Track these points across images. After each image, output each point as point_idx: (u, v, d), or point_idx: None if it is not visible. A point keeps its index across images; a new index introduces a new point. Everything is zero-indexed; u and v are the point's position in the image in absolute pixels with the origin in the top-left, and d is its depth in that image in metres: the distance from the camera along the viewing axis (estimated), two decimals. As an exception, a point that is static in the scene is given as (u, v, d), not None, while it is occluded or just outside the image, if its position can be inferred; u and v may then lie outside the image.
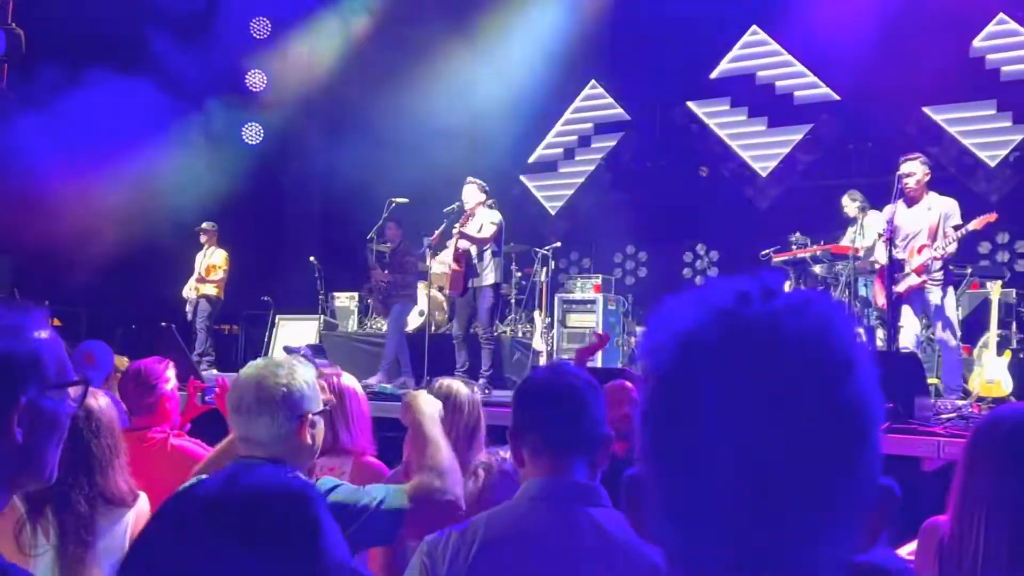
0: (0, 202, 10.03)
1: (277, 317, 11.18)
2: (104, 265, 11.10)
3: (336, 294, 11.56)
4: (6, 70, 11.09)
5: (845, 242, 8.20)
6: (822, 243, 8.59)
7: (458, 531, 1.76)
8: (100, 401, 2.58)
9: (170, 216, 10.62)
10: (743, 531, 0.69)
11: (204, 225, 10.65)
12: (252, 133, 13.60)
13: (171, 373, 3.51)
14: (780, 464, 0.68)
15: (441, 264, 8.72)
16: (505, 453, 3.23)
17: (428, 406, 2.36)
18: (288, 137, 13.52)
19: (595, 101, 13.39)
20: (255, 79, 13.52)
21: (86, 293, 12.06)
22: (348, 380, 3.12)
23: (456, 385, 3.27)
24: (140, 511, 2.50)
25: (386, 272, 9.15)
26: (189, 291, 10.58)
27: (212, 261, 10.54)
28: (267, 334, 11.15)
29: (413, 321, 10.03)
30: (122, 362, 5.45)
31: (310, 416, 2.06)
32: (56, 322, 12.75)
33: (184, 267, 10.80)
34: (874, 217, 7.84)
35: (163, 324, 9.58)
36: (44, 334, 1.26)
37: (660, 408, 0.74)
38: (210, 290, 10.50)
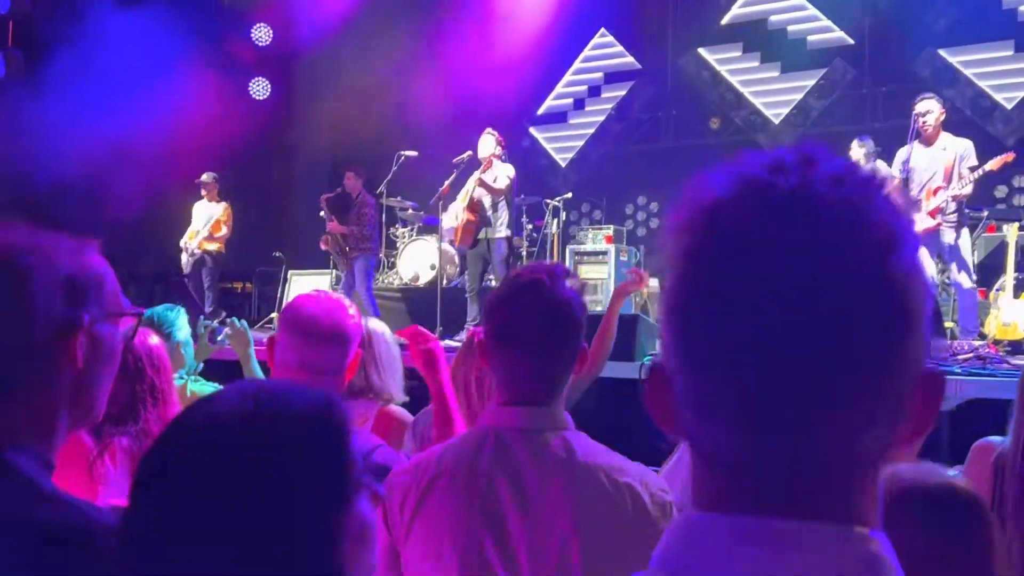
0: (11, 162, 10.03)
1: (289, 273, 11.19)
2: (112, 220, 11.10)
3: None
4: (11, 28, 11.05)
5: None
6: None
7: (414, 463, 1.74)
8: (153, 339, 2.60)
9: (177, 173, 10.58)
10: (777, 425, 0.63)
11: (204, 177, 10.39)
12: (259, 88, 13.53)
13: (183, 320, 3.52)
14: (819, 350, 0.62)
15: (449, 216, 8.67)
16: None
17: (442, 361, 2.29)
18: (295, 91, 13.44)
19: (605, 50, 13.22)
20: (261, 33, 13.41)
21: (98, 247, 12.08)
22: (376, 324, 3.09)
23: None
24: None
25: (344, 225, 9.05)
26: (187, 241, 10.26)
27: (217, 216, 10.30)
28: (280, 290, 11.17)
29: (424, 274, 10.02)
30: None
31: (359, 352, 2.08)
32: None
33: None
34: (880, 167, 7.76)
35: (175, 278, 9.66)
36: (100, 261, 1.23)
37: (685, 292, 0.67)
38: (213, 246, 10.29)
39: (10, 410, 1.11)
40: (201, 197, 10.43)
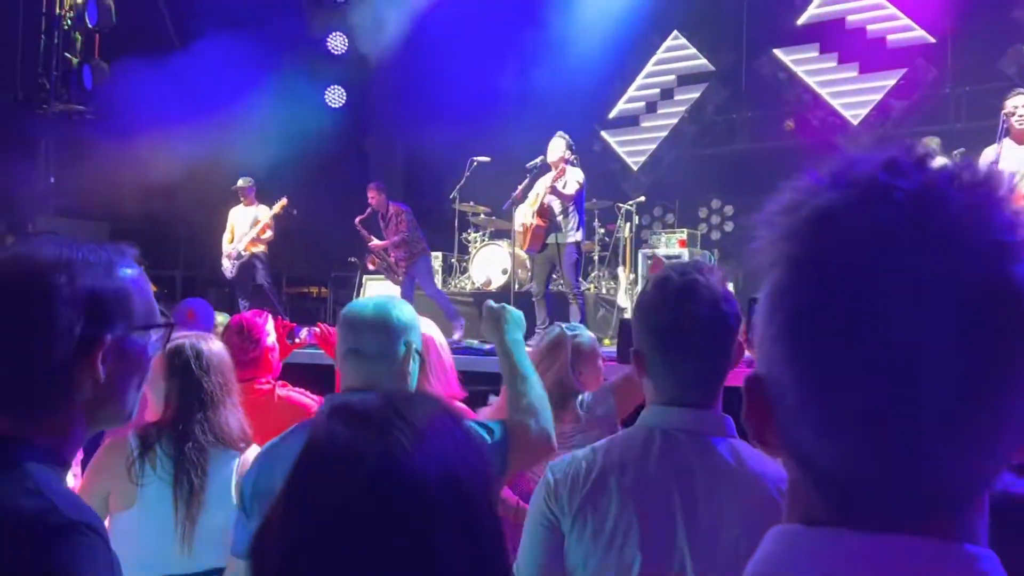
0: (96, 169, 10.39)
1: (364, 278, 11.34)
2: (194, 228, 11.41)
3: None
4: (98, 41, 11.45)
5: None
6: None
7: (580, 455, 1.75)
8: (212, 345, 2.65)
9: (256, 180, 10.79)
10: (916, 437, 0.61)
11: (240, 183, 10.14)
12: (335, 96, 13.76)
13: (271, 326, 3.58)
14: (966, 357, 0.59)
15: (516, 220, 8.67)
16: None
17: (514, 326, 2.24)
18: (370, 99, 13.63)
19: (678, 52, 13.11)
20: (337, 42, 13.65)
21: (179, 255, 12.45)
22: (427, 326, 3.11)
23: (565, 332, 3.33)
24: (246, 459, 2.51)
25: (386, 239, 9.10)
26: (236, 247, 10.04)
27: (263, 217, 10.09)
28: (354, 294, 11.33)
29: (496, 279, 10.06)
30: (224, 319, 5.62)
31: (412, 345, 2.08)
32: (153, 287, 13.23)
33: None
34: None
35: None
36: (132, 273, 1.27)
37: (807, 301, 0.63)
38: (260, 248, 10.11)
39: (30, 414, 1.19)
40: (238, 203, 10.27)
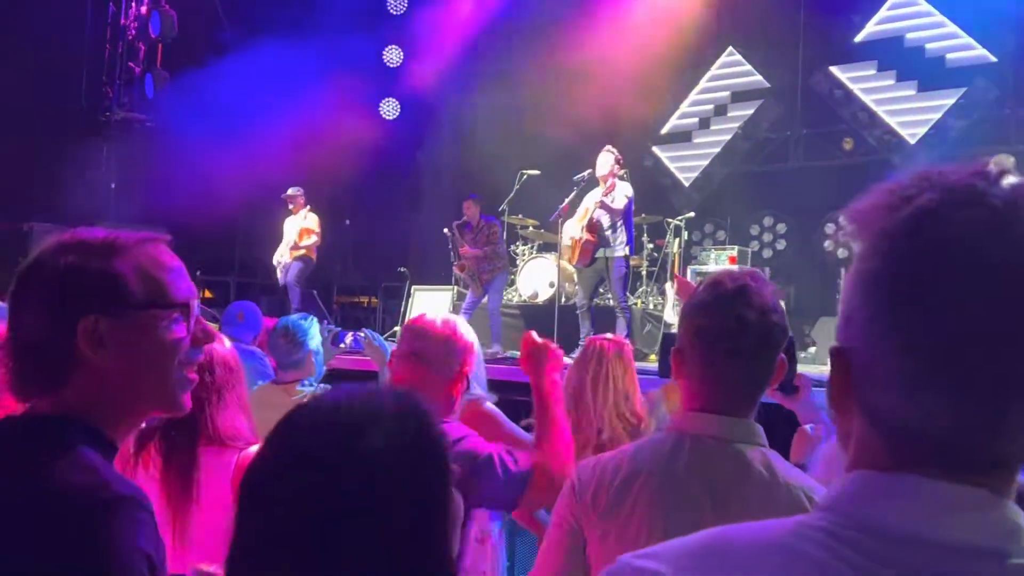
0: (156, 176, 10.62)
1: (413, 288, 11.43)
2: (250, 234, 11.59)
3: (469, 265, 11.71)
4: (160, 50, 11.72)
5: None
6: (975, 212, 8.12)
7: (606, 458, 1.74)
8: (216, 344, 2.54)
9: (310, 190, 10.94)
10: (985, 405, 0.72)
11: (290, 191, 10.44)
12: (389, 108, 13.92)
13: (316, 330, 3.63)
14: None
15: (564, 234, 8.68)
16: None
17: (554, 364, 2.28)
18: (423, 112, 13.76)
19: (732, 68, 13.02)
20: (392, 55, 13.81)
21: (234, 261, 12.65)
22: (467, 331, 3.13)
23: (605, 344, 3.30)
24: (243, 458, 2.43)
25: (479, 249, 9.17)
26: (280, 256, 10.41)
27: (306, 225, 10.36)
28: (403, 304, 11.42)
29: (543, 292, 10.07)
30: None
31: (466, 365, 2.19)
32: (207, 293, 13.50)
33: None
34: None
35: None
36: (141, 254, 1.29)
37: (897, 288, 0.74)
38: (300, 253, 10.33)
39: (68, 394, 1.24)
40: (290, 213, 10.52)
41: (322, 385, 3.47)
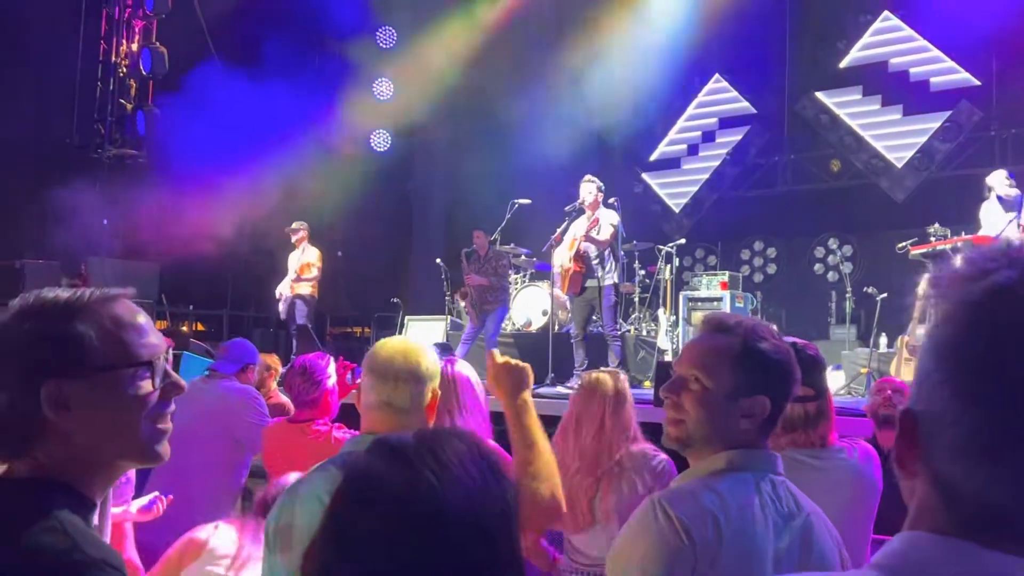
0: (146, 213, 10.65)
1: (406, 318, 11.44)
2: (241, 269, 11.60)
3: (462, 295, 11.74)
4: (151, 87, 11.79)
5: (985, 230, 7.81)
6: (963, 234, 8.19)
7: (706, 503, 1.64)
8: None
9: (303, 222, 10.97)
10: None
11: (294, 225, 10.49)
12: (380, 140, 14.00)
13: (332, 369, 3.64)
14: None
15: (554, 262, 8.71)
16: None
17: (522, 382, 2.17)
18: (414, 144, 13.84)
19: (719, 95, 13.16)
20: (382, 88, 13.91)
21: (226, 295, 12.66)
22: (462, 367, 3.06)
23: (602, 377, 3.31)
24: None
25: (485, 279, 9.19)
26: (283, 289, 10.38)
27: (307, 259, 10.39)
28: (397, 334, 11.42)
29: (536, 320, 10.09)
30: (272, 359, 5.72)
31: (436, 391, 2.08)
32: (199, 326, 13.49)
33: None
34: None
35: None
36: (100, 316, 1.28)
37: (970, 356, 0.76)
38: (304, 289, 10.34)
39: (40, 456, 1.24)
40: (294, 247, 10.53)
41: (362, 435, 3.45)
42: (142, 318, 1.34)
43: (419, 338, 2.29)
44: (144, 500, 3.25)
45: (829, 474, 2.37)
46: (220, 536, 2.69)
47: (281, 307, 10.43)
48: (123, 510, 3.13)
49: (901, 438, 0.82)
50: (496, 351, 2.25)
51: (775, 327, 1.78)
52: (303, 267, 10.31)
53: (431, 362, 2.09)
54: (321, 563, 1.03)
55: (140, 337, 1.31)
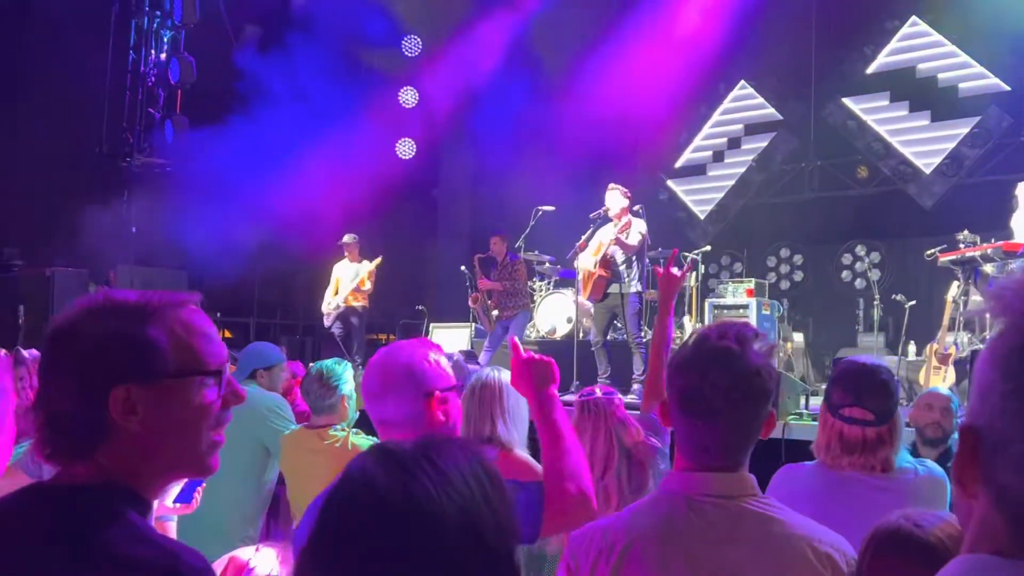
0: (174, 220, 10.75)
1: (431, 325, 11.46)
2: (268, 276, 11.66)
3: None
4: (179, 96, 11.90)
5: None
6: (993, 240, 8.09)
7: (602, 526, 1.69)
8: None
9: (326, 231, 11.02)
10: None
11: (346, 239, 10.55)
12: (405, 148, 14.06)
13: (350, 375, 3.65)
14: None
15: (579, 269, 8.70)
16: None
17: (548, 376, 2.08)
18: (439, 151, 13.89)
19: (745, 102, 13.10)
20: (408, 96, 13.97)
21: (253, 302, 12.73)
22: (508, 375, 3.10)
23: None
24: None
25: (498, 284, 9.20)
26: (329, 306, 10.44)
27: (363, 272, 10.45)
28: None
29: (561, 327, 10.07)
30: (296, 367, 5.75)
31: (438, 393, 1.98)
32: (227, 333, 13.58)
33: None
34: None
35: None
36: (172, 321, 1.26)
37: None
38: (359, 302, 10.44)
39: (102, 459, 1.22)
40: (343, 258, 10.60)
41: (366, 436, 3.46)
42: (209, 325, 1.33)
43: (406, 344, 2.17)
44: (176, 490, 3.25)
45: (890, 494, 2.28)
46: (262, 558, 2.69)
47: (333, 317, 10.37)
48: (158, 504, 3.14)
49: (961, 456, 0.78)
50: (520, 345, 2.15)
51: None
52: (363, 280, 10.38)
53: (419, 363, 2.01)
54: (315, 567, 1.03)
55: (208, 344, 1.30)
